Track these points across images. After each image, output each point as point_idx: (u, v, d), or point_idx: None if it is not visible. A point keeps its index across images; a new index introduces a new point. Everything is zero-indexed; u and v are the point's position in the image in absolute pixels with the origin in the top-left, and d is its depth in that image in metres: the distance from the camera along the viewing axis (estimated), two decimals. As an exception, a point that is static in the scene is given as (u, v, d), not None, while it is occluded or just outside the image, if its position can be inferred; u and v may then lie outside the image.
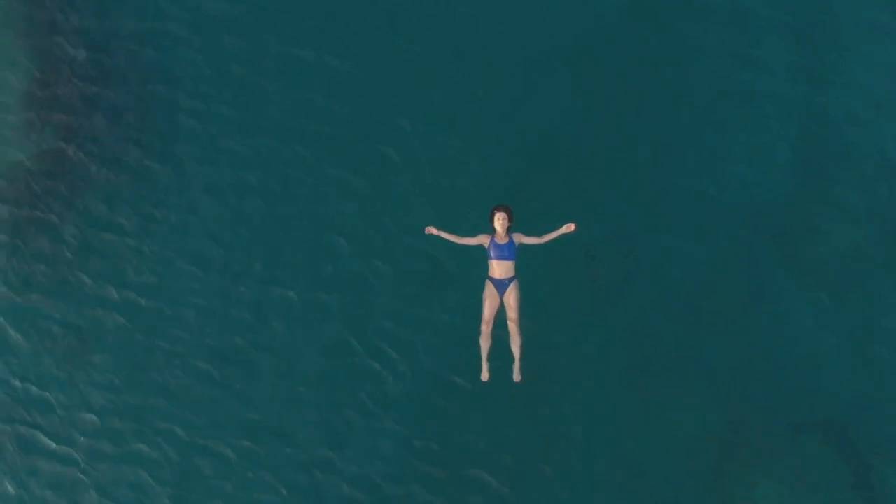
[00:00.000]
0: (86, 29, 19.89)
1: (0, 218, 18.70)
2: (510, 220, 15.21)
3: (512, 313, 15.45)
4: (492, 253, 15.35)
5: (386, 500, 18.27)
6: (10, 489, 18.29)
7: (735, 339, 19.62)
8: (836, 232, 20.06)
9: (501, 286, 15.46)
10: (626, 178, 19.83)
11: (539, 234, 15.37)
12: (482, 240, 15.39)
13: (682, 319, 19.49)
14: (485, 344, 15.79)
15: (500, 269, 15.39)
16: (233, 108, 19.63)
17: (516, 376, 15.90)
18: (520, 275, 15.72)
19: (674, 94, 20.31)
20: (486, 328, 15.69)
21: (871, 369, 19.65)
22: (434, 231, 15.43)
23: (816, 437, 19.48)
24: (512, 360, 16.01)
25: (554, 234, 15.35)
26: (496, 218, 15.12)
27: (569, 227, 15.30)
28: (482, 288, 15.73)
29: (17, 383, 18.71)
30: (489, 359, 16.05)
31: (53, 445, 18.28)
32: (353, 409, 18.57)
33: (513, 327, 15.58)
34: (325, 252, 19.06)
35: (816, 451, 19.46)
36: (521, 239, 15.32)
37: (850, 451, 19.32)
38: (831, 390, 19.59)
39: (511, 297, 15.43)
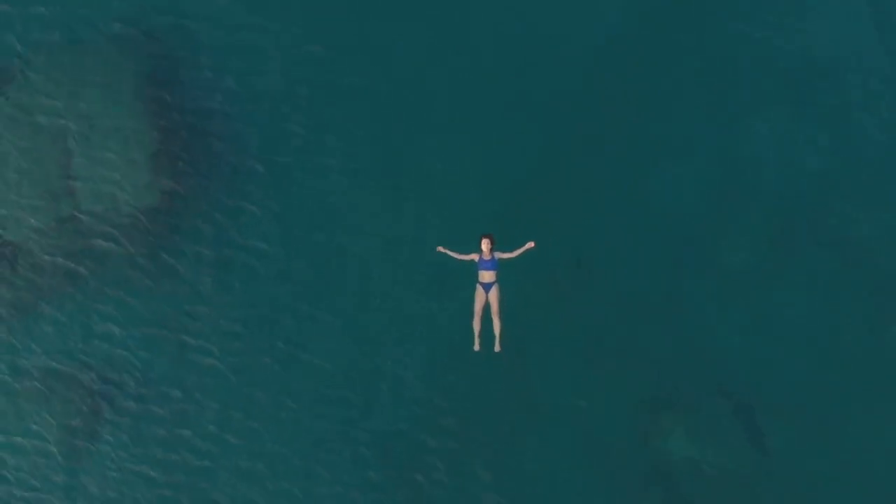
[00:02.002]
0: (190, 97, 23.82)
1: (179, 212, 23.05)
2: (492, 243, 19.49)
3: (494, 306, 19.89)
4: (480, 266, 19.69)
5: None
6: (180, 394, 22.52)
7: (661, 327, 23.21)
8: (737, 245, 23.61)
9: (487, 288, 19.87)
10: (579, 207, 23.46)
11: (511, 250, 19.52)
12: (473, 257, 19.67)
13: (622, 311, 23.24)
14: (476, 326, 20.20)
15: (485, 276, 19.75)
16: (301, 155, 23.65)
17: (496, 347, 20.31)
18: (500, 280, 20.05)
19: (617, 145, 23.81)
20: (476, 315, 20.12)
21: (763, 350, 23.12)
22: (442, 250, 19.78)
23: (720, 401, 23.10)
24: (493, 337, 20.37)
25: (520, 250, 19.39)
26: (483, 243, 19.45)
27: (529, 245, 19.38)
28: (474, 288, 20.20)
29: (188, 321, 22.97)
30: (479, 335, 20.40)
31: (209, 361, 22.60)
32: (387, 351, 22.85)
33: (494, 315, 20.01)
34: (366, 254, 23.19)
35: (721, 410, 23.07)
36: (500, 255, 19.55)
37: (746, 412, 23.02)
38: (733, 365, 23.13)
39: (493, 296, 19.87)
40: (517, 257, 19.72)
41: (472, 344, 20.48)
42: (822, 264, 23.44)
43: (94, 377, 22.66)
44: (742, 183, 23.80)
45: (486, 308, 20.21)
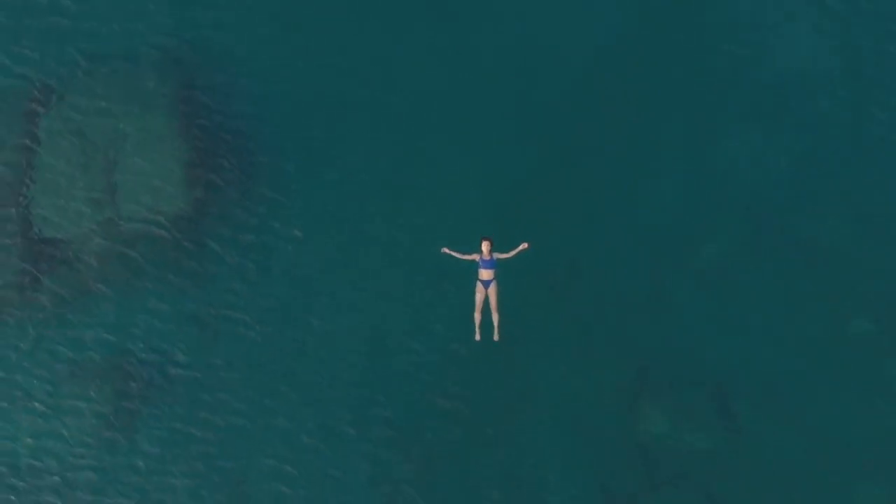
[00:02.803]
0: (224, 111, 25.53)
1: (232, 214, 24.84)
2: (491, 245, 21.16)
3: (493, 301, 21.61)
4: (480, 265, 21.36)
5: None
6: (222, 363, 24.16)
7: (643, 320, 24.44)
8: (713, 246, 24.84)
9: (486, 284, 21.57)
10: (571, 212, 24.84)
11: (508, 251, 21.13)
12: (475, 257, 21.30)
13: (608, 305, 24.48)
14: (477, 318, 21.88)
15: (485, 274, 21.44)
16: (318, 164, 25.29)
17: (495, 336, 21.96)
18: (499, 278, 21.66)
19: (606, 156, 25.13)
20: (477, 309, 21.83)
21: (735, 341, 24.38)
22: (447, 251, 21.42)
23: (696, 385, 24.33)
24: (493, 328, 21.96)
25: (516, 251, 20.98)
26: (483, 244, 21.16)
27: (524, 246, 20.98)
28: (475, 285, 21.86)
29: (239, 286, 24.64)
30: (480, 326, 22.03)
31: (248, 336, 24.36)
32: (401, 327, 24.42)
33: (493, 309, 21.69)
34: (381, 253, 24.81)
35: (695, 394, 24.29)
36: (497, 256, 21.18)
37: (718, 396, 24.26)
38: (708, 354, 24.33)
39: (492, 291, 21.61)
40: (513, 257, 21.29)
41: (474, 334, 22.13)
42: (788, 262, 24.75)
43: (143, 351, 24.35)
44: (717, 190, 25.15)
45: (486, 302, 21.82)
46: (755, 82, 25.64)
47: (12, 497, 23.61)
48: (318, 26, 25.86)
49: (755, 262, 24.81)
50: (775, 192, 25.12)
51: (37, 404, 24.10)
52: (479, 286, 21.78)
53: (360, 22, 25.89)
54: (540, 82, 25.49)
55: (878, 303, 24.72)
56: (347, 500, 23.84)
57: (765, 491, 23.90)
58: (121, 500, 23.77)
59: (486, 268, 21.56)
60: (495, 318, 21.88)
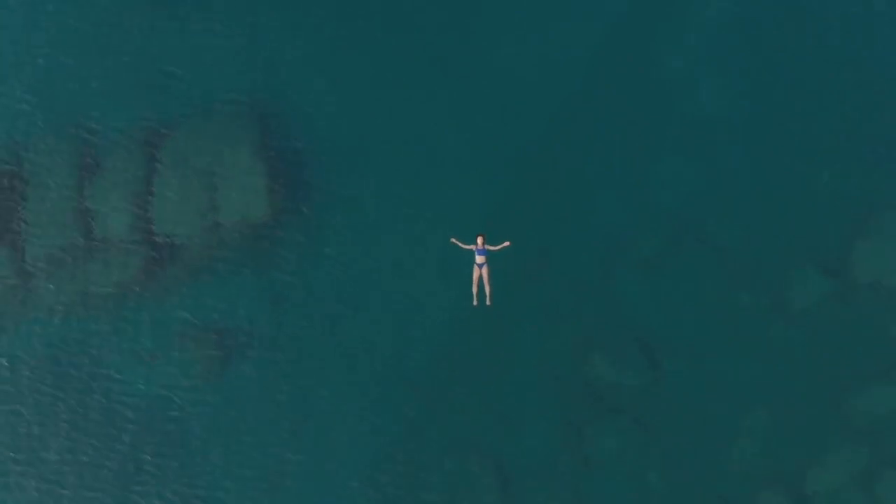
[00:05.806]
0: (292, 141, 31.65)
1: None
2: (484, 239, 27.63)
3: (485, 277, 28.14)
4: (476, 252, 27.88)
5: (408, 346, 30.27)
6: (289, 342, 30.64)
7: (595, 294, 30.34)
8: (647, 243, 30.37)
9: (480, 266, 28.06)
10: (542, 217, 30.70)
11: (496, 245, 27.50)
12: (472, 247, 27.79)
13: (570, 285, 30.16)
14: (474, 289, 28.22)
15: (479, 259, 27.92)
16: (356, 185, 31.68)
17: (487, 301, 28.31)
18: (490, 262, 27.80)
19: (566, 178, 30.70)
20: (474, 283, 28.29)
21: (663, 311, 29.94)
22: (454, 241, 27.88)
23: (633, 343, 29.93)
24: (485, 296, 28.13)
25: (500, 246, 27.43)
26: (478, 238, 27.68)
27: (506, 244, 27.39)
28: (472, 266, 28.07)
29: (303, 274, 30.63)
30: (476, 295, 28.18)
31: (304, 312, 30.29)
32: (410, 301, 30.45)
33: (485, 283, 28.15)
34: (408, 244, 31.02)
35: (633, 349, 29.86)
36: (488, 247, 27.66)
37: (650, 351, 29.20)
38: (643, 321, 29.75)
39: (484, 271, 28.11)
40: (499, 250, 27.53)
41: (472, 301, 28.50)
42: (700, 254, 30.52)
43: (231, 319, 30.52)
44: (653, 201, 30.73)
45: (481, 278, 28.23)
46: (682, 123, 31.09)
47: (130, 426, 29.85)
48: (358, 83, 31.51)
49: (678, 254, 30.45)
50: (693, 204, 30.77)
51: (154, 359, 30.36)
52: (475, 267, 28.22)
53: (390, 70, 31.48)
54: (522, 125, 31.43)
55: (756, 282, 30.76)
56: (376, 421, 30.32)
57: (680, 418, 29.83)
58: (214, 429, 30.11)
59: (480, 254, 28.18)
60: (487, 289, 28.39)
